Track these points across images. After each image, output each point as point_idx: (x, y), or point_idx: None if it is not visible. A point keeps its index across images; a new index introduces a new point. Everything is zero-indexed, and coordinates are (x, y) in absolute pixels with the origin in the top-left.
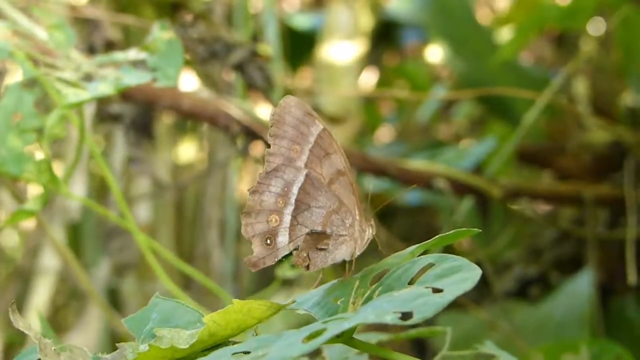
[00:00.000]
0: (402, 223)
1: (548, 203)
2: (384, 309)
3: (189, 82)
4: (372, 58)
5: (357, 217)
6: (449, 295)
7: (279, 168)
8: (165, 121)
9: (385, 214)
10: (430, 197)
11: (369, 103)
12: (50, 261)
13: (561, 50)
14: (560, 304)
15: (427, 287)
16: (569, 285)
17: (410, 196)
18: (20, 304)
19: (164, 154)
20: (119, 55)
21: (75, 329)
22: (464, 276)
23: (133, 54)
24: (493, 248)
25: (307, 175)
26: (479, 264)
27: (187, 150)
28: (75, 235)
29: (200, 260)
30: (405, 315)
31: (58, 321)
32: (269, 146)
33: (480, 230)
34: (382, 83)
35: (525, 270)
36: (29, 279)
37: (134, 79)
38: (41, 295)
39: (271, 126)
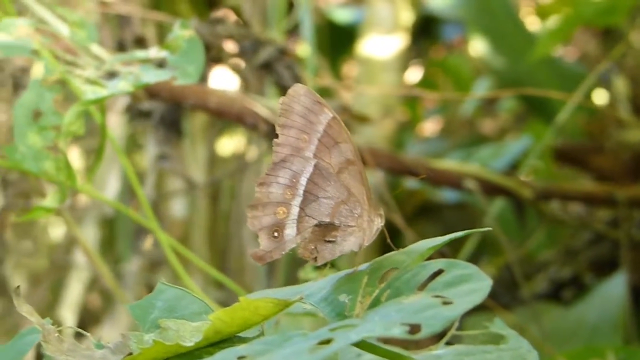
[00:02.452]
0: (448, 220)
1: (581, 204)
2: (392, 319)
3: (221, 80)
4: (413, 53)
5: (366, 207)
6: (458, 309)
7: (286, 159)
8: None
9: (430, 210)
10: (467, 196)
11: (412, 98)
12: (82, 256)
13: (607, 46)
14: (593, 307)
15: (436, 296)
16: (602, 288)
17: (446, 195)
18: (55, 297)
19: (200, 148)
20: (139, 53)
21: (105, 324)
22: (473, 287)
23: (154, 52)
24: (526, 249)
25: (315, 166)
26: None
27: (228, 144)
28: (110, 229)
29: (234, 255)
30: (414, 328)
31: (90, 315)
32: (277, 136)
33: (489, 229)
34: (425, 78)
35: (559, 271)
36: (64, 273)
37: (152, 76)
38: (74, 289)
39: (280, 116)
